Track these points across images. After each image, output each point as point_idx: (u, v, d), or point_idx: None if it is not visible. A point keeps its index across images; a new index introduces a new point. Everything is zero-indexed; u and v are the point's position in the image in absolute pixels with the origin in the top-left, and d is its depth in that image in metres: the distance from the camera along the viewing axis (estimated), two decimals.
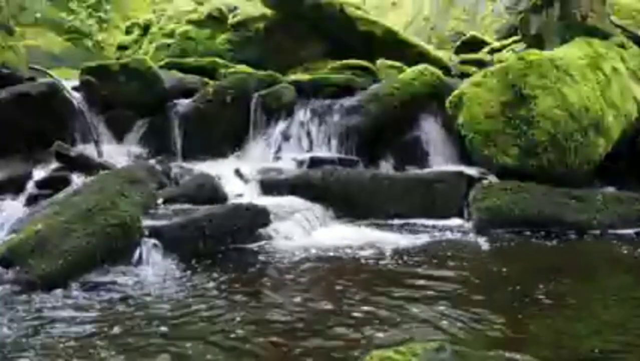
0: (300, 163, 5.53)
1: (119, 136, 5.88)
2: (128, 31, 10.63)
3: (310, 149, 5.80)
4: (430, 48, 8.30)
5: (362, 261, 3.74)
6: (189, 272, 3.49)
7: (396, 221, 4.79)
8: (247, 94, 6.04)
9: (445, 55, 8.41)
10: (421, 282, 3.27)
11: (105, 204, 3.67)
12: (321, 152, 5.70)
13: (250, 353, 2.39)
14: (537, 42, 6.31)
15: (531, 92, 5.04)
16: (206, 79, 6.52)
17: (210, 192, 4.65)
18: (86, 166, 4.85)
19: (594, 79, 5.29)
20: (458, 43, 10.44)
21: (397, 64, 6.80)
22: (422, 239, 4.29)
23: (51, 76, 5.95)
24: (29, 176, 4.82)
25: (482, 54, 8.61)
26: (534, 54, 5.27)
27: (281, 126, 5.95)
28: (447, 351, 1.99)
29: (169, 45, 8.95)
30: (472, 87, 5.30)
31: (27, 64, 6.39)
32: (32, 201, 4.49)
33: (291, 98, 6.08)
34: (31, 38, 11.83)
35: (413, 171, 5.45)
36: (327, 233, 4.46)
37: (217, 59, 7.39)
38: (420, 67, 6.11)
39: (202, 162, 5.56)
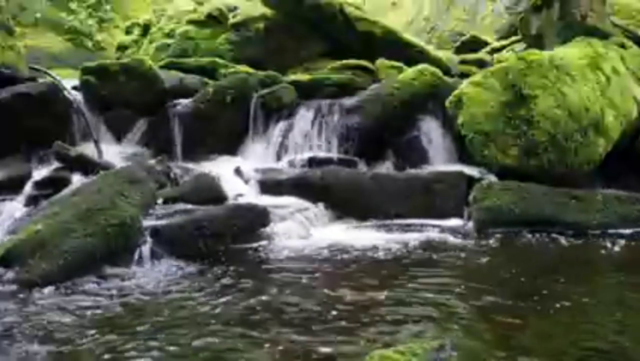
0: (300, 163, 5.53)
1: (119, 136, 5.87)
2: (128, 31, 10.61)
3: (310, 149, 5.79)
4: (430, 48, 8.28)
5: (362, 261, 3.74)
6: (188, 272, 3.49)
7: (396, 221, 4.78)
8: (247, 94, 6.04)
9: (445, 55, 8.39)
10: (421, 282, 3.27)
11: (105, 204, 3.67)
12: (321, 152, 5.69)
13: (249, 354, 2.39)
14: (537, 42, 6.31)
15: (531, 92, 5.04)
16: (206, 79, 6.52)
17: (210, 192, 4.65)
18: (86, 166, 4.85)
19: (594, 79, 5.29)
20: (458, 43, 10.43)
21: (397, 64, 6.79)
22: (422, 239, 4.29)
23: (51, 76, 5.93)
24: (29, 176, 4.82)
25: (482, 54, 8.60)
26: (534, 54, 5.27)
27: (281, 126, 5.94)
28: (447, 351, 1.99)
29: (169, 45, 8.92)
30: (472, 87, 5.29)
31: (27, 64, 6.38)
32: (32, 201, 4.48)
33: (291, 98, 6.08)
34: (31, 38, 11.84)
35: (413, 171, 5.44)
36: (327, 233, 4.46)
37: (217, 59, 7.37)
38: (420, 67, 6.10)
39: (202, 162, 5.55)
